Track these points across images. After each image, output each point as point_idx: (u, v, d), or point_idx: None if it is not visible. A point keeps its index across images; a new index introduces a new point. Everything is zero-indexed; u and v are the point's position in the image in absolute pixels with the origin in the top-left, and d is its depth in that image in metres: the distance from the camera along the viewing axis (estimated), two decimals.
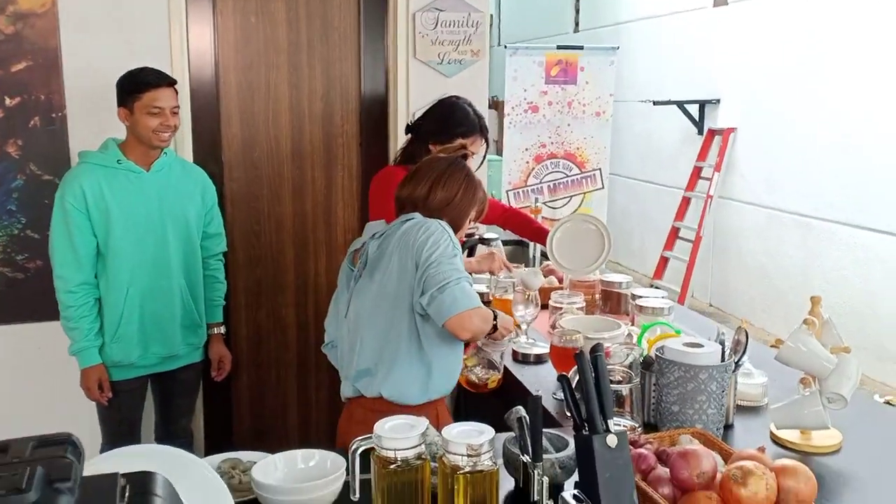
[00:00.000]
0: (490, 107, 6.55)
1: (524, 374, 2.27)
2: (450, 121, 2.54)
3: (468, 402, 2.86)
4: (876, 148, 4.95)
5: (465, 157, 2.05)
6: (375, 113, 3.26)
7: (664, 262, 6.95)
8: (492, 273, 2.69)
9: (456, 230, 1.93)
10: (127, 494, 0.73)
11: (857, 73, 5.10)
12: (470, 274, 1.84)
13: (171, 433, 2.78)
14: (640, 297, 2.59)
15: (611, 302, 2.85)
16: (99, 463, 1.21)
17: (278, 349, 3.30)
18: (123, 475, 0.76)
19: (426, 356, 1.83)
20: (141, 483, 0.76)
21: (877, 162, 4.95)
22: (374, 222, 2.04)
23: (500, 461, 1.64)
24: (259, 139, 3.16)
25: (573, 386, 1.51)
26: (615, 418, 1.77)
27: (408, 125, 2.67)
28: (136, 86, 2.43)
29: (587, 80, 4.75)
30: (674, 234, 6.91)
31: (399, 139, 3.17)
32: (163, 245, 2.53)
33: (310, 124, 3.20)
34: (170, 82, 2.46)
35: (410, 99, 3.17)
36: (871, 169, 5.00)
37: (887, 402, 4.58)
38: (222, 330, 2.79)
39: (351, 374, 1.92)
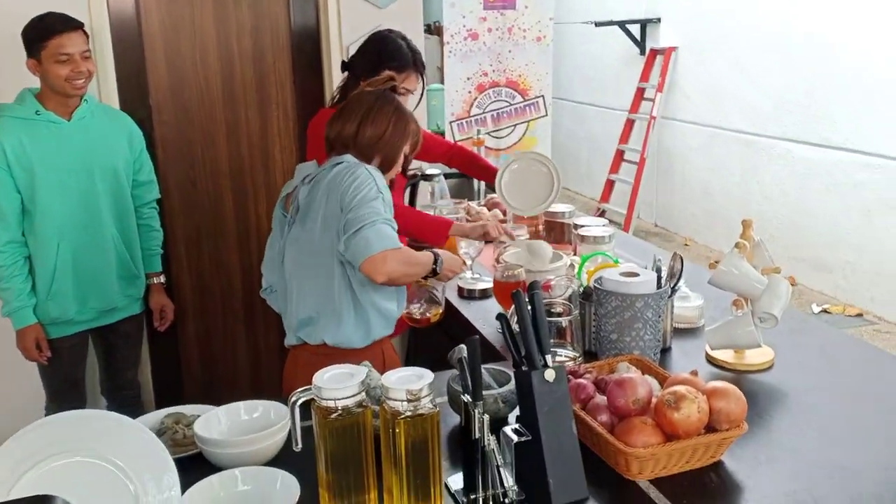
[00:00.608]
0: (431, 33, 6.40)
1: (470, 310, 2.29)
2: (382, 56, 2.45)
3: (419, 341, 2.88)
4: (814, 63, 5.00)
5: (394, 89, 2.00)
6: (307, 49, 3.15)
7: (610, 185, 7.02)
8: (489, 240, 2.58)
9: (390, 166, 1.90)
10: None
11: None
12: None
13: (118, 386, 2.75)
14: (582, 226, 2.61)
15: (554, 232, 2.87)
16: (27, 434, 1.19)
17: (223, 296, 3.26)
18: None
19: (361, 302, 1.82)
20: None
21: (815, 77, 5.01)
22: (305, 164, 1.99)
23: (445, 399, 1.67)
24: (188, 80, 3.05)
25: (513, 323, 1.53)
26: (557, 349, 1.82)
27: (343, 62, 2.58)
28: (40, 34, 2.30)
29: (526, 4, 4.66)
30: (619, 156, 6.96)
31: (334, 76, 3.09)
32: (91, 196, 2.45)
33: (240, 63, 3.09)
34: (75, 25, 2.33)
35: (343, 33, 3.07)
36: (809, 84, 5.06)
37: (824, 311, 4.77)
38: (162, 279, 2.73)
39: (293, 324, 1.90)
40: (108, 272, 2.52)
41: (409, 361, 2.91)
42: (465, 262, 2.41)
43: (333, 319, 1.83)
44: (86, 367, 2.64)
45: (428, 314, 2.14)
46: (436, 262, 1.89)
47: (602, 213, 6.92)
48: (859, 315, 4.70)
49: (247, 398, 1.67)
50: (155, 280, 2.71)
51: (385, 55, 2.43)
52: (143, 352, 2.90)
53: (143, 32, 2.95)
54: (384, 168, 1.89)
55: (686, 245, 6.29)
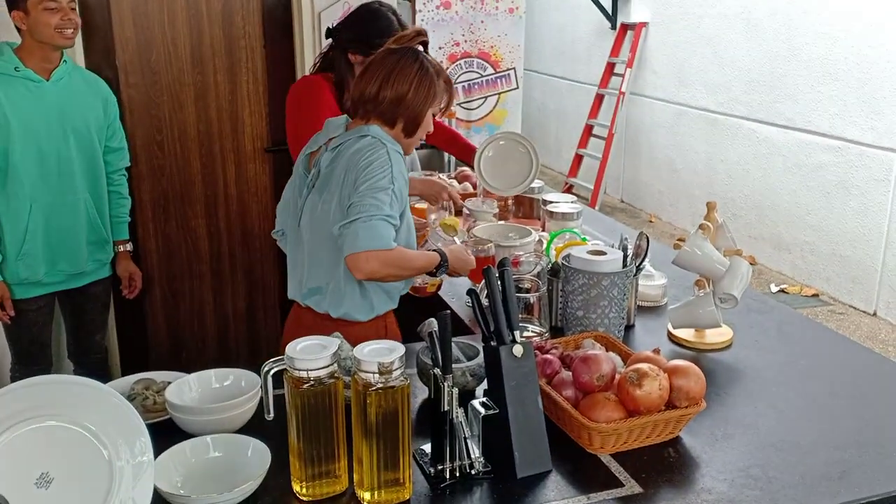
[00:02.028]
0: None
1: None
2: (371, 29, 2.39)
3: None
4: (781, 44, 5.07)
5: (425, 44, 1.89)
6: (278, 12, 3.11)
7: (578, 159, 7.06)
8: (432, 203, 2.63)
9: (414, 129, 1.81)
10: None
11: None
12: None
13: (85, 350, 2.73)
14: (551, 202, 2.64)
15: (523, 207, 2.90)
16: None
17: (190, 262, 3.23)
18: None
19: (364, 282, 1.81)
20: None
21: (781, 58, 5.08)
22: (335, 119, 1.90)
23: (414, 372, 1.70)
24: (155, 42, 2.99)
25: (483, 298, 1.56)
26: (524, 324, 1.86)
27: (328, 29, 2.52)
28: None
29: None
30: (587, 131, 7.00)
31: (305, 41, 3.05)
32: (66, 159, 2.42)
33: (209, 25, 3.03)
34: None
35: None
36: (774, 65, 5.13)
37: (781, 290, 4.89)
38: (129, 247, 2.71)
39: (302, 290, 1.89)
40: (79, 236, 2.50)
41: None
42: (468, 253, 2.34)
43: (338, 294, 1.82)
44: (52, 332, 2.62)
45: (426, 283, 2.16)
46: (439, 266, 1.85)
47: (570, 188, 6.98)
48: (815, 296, 4.84)
49: (214, 364, 1.68)
50: (122, 248, 2.69)
51: (374, 29, 2.38)
52: (109, 317, 2.88)
53: None
54: (409, 130, 1.81)
55: (650, 222, 6.38)
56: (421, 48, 1.87)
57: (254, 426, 1.51)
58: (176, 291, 3.25)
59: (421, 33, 1.89)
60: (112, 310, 2.94)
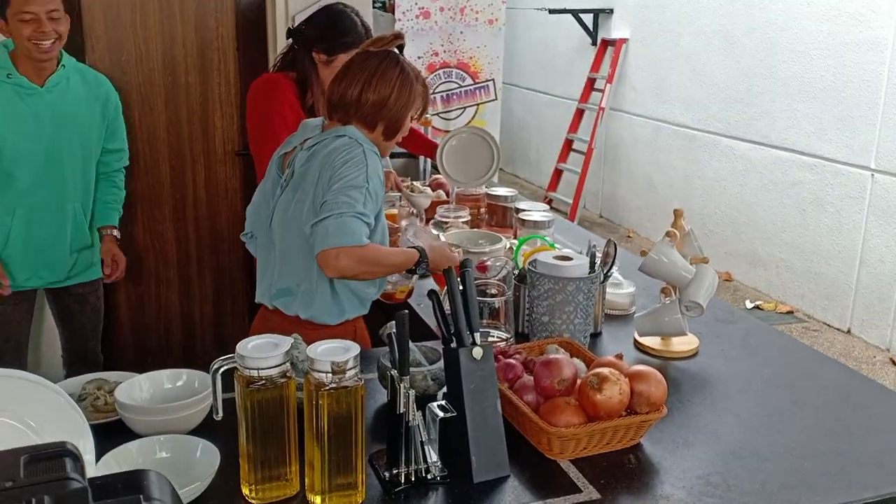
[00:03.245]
0: (386, 10, 6.33)
1: None
2: (335, 29, 2.41)
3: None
4: (758, 62, 5.11)
5: (402, 48, 1.88)
6: (252, 15, 3.09)
7: (558, 174, 7.08)
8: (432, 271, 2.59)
9: (395, 132, 1.81)
10: None
11: None
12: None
13: (81, 358, 2.65)
14: (523, 210, 2.63)
15: (496, 216, 2.88)
16: None
17: (157, 266, 3.18)
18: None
19: (335, 284, 1.78)
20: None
21: (758, 75, 5.12)
22: (311, 120, 1.89)
23: (375, 375, 1.67)
24: (126, 42, 2.95)
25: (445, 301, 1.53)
26: (490, 330, 1.83)
27: (289, 29, 2.52)
28: None
29: None
30: (567, 146, 7.02)
31: (279, 45, 3.03)
32: (57, 166, 2.36)
33: (182, 27, 3.00)
34: None
35: (289, 3, 3.01)
36: (751, 82, 5.18)
37: (756, 307, 4.90)
38: (116, 234, 2.60)
39: (271, 291, 1.85)
40: (64, 244, 2.44)
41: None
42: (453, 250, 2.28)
43: (309, 295, 1.79)
44: (29, 331, 2.55)
45: (395, 289, 2.12)
46: (418, 263, 1.81)
47: (549, 202, 6.99)
48: (790, 312, 4.85)
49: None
50: (110, 232, 2.58)
51: (338, 30, 2.39)
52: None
53: None
54: (388, 134, 1.80)
55: (629, 237, 6.40)
56: (397, 51, 1.86)
57: (208, 428, 1.46)
58: (142, 296, 3.19)
59: (399, 36, 1.88)
60: None
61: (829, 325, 4.64)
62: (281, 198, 1.81)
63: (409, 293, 2.15)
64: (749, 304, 4.93)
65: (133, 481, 0.68)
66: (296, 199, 1.77)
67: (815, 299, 4.75)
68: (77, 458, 0.64)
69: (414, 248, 1.85)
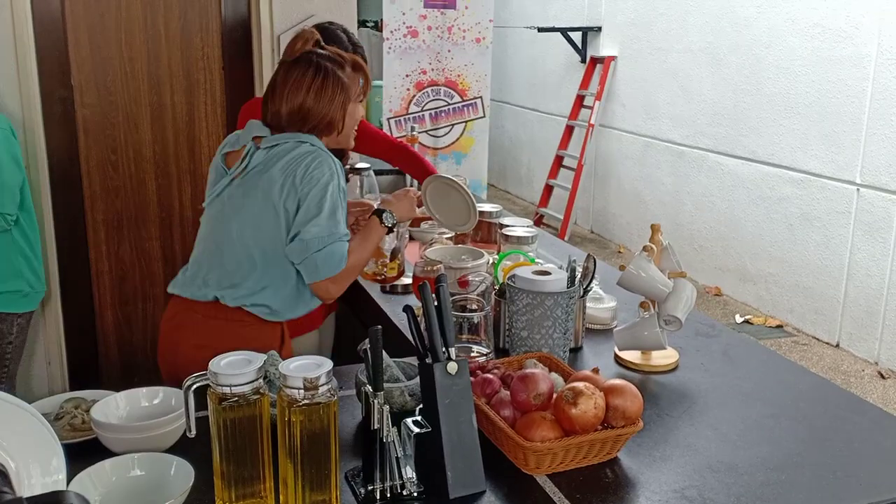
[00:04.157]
0: (378, 29, 6.37)
1: (389, 304, 2.28)
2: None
3: (342, 335, 2.86)
4: (744, 78, 5.15)
5: (318, 43, 1.84)
6: (237, 35, 3.11)
7: (549, 189, 7.10)
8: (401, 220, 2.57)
9: (331, 131, 1.80)
10: None
11: (730, 6, 5.25)
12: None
13: None
14: (507, 226, 2.63)
15: (482, 231, 2.87)
16: None
17: (144, 285, 3.18)
18: None
19: (302, 282, 1.80)
20: None
21: (745, 92, 5.16)
22: (258, 122, 1.86)
23: (353, 392, 1.67)
24: (112, 61, 2.97)
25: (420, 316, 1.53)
26: (470, 345, 1.83)
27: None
28: None
29: (466, 4, 4.68)
30: (558, 162, 7.05)
31: (264, 64, 3.05)
32: None
33: (167, 46, 3.02)
34: None
35: (274, 20, 3.03)
36: (738, 98, 5.22)
37: (746, 321, 4.91)
38: None
39: (210, 280, 1.83)
40: None
41: (337, 355, 2.89)
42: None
43: (258, 288, 1.80)
44: None
45: (385, 271, 2.14)
46: (391, 227, 1.88)
47: (540, 218, 7.00)
48: (779, 327, 4.86)
49: None
50: None
51: None
52: (59, 338, 2.80)
53: (66, 10, 2.86)
54: (326, 132, 1.80)
55: (620, 252, 6.41)
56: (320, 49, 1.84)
57: (184, 446, 1.46)
58: (129, 314, 3.18)
59: (311, 33, 1.85)
60: (62, 332, 2.87)
61: (818, 339, 4.65)
62: (226, 189, 1.80)
63: (400, 271, 2.15)
64: (739, 319, 4.93)
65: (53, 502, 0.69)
66: (248, 195, 1.76)
67: (804, 313, 4.76)
68: (4, 475, 0.65)
69: (374, 214, 1.90)
